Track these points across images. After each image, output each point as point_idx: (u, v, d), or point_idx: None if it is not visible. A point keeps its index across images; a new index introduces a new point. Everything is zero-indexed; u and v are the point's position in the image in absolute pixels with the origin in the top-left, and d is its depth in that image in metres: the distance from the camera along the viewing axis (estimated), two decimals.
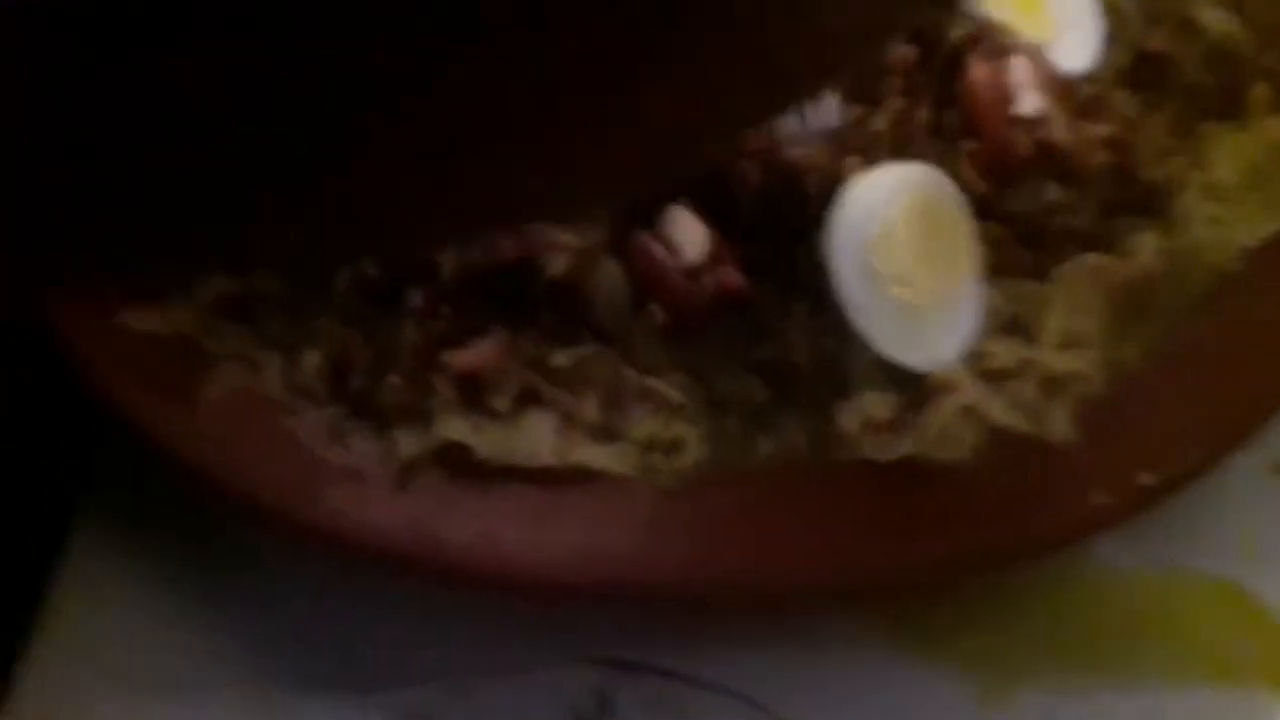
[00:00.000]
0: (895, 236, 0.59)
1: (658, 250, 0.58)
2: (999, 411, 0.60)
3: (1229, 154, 0.71)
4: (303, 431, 0.60)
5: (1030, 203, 0.65)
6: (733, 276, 0.57)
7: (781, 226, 0.62)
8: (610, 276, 0.58)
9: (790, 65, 0.30)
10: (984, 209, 0.64)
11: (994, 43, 0.66)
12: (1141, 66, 0.72)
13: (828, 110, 0.60)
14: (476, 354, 0.58)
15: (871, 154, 0.61)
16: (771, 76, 0.30)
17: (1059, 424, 0.61)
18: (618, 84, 0.27)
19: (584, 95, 0.27)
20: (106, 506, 0.69)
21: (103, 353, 0.63)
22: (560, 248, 0.58)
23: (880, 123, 0.61)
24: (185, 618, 0.68)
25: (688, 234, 0.58)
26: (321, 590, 0.65)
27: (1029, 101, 0.64)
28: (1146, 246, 0.66)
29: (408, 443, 0.58)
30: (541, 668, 0.63)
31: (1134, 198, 0.67)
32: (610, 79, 0.27)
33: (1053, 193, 0.65)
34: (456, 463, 0.58)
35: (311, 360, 0.60)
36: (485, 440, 0.58)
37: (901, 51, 0.62)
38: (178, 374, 0.62)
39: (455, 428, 0.58)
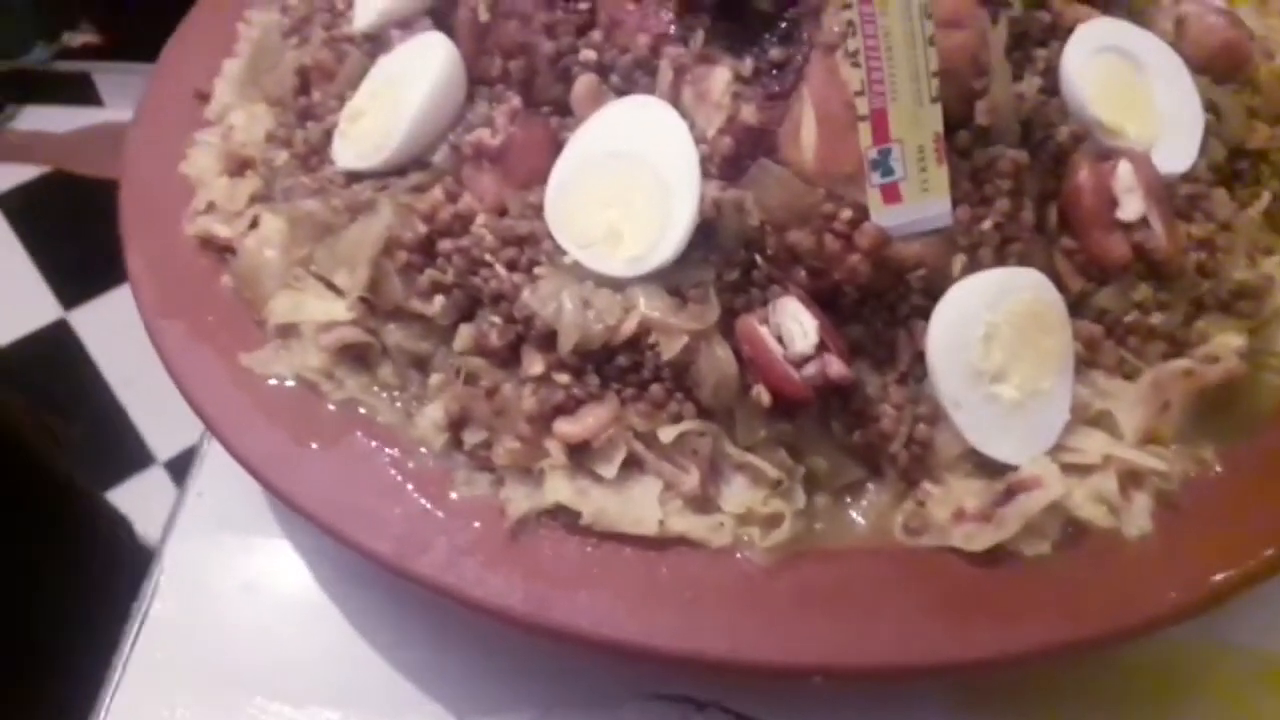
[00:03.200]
0: (997, 338, 0.62)
1: (768, 339, 0.60)
2: (1081, 506, 0.63)
3: None
4: (416, 481, 0.63)
5: (1122, 301, 0.67)
6: (837, 368, 0.59)
7: (885, 317, 0.64)
8: (720, 361, 0.60)
9: None
10: (1077, 306, 0.67)
11: (1099, 143, 0.68)
12: (1239, 161, 0.74)
13: (940, 211, 0.62)
14: (588, 424, 0.61)
15: (978, 252, 0.63)
16: None
17: (1138, 520, 0.63)
18: None
19: None
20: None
21: (221, 395, 0.66)
22: (675, 331, 0.60)
23: (988, 224, 0.63)
24: (277, 634, 0.72)
25: (798, 324, 0.60)
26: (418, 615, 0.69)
27: (1131, 208, 0.65)
28: (1231, 348, 0.67)
29: (518, 501, 0.61)
30: (626, 701, 0.67)
31: (1223, 297, 0.69)
32: None
33: (1143, 292, 0.67)
34: (564, 525, 0.61)
35: (432, 413, 0.63)
36: (591, 504, 0.61)
37: (1013, 155, 0.64)
38: (295, 418, 0.65)
39: (564, 491, 0.61)
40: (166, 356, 0.68)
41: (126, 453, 1.95)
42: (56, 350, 2.09)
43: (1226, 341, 0.68)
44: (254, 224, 0.72)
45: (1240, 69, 0.76)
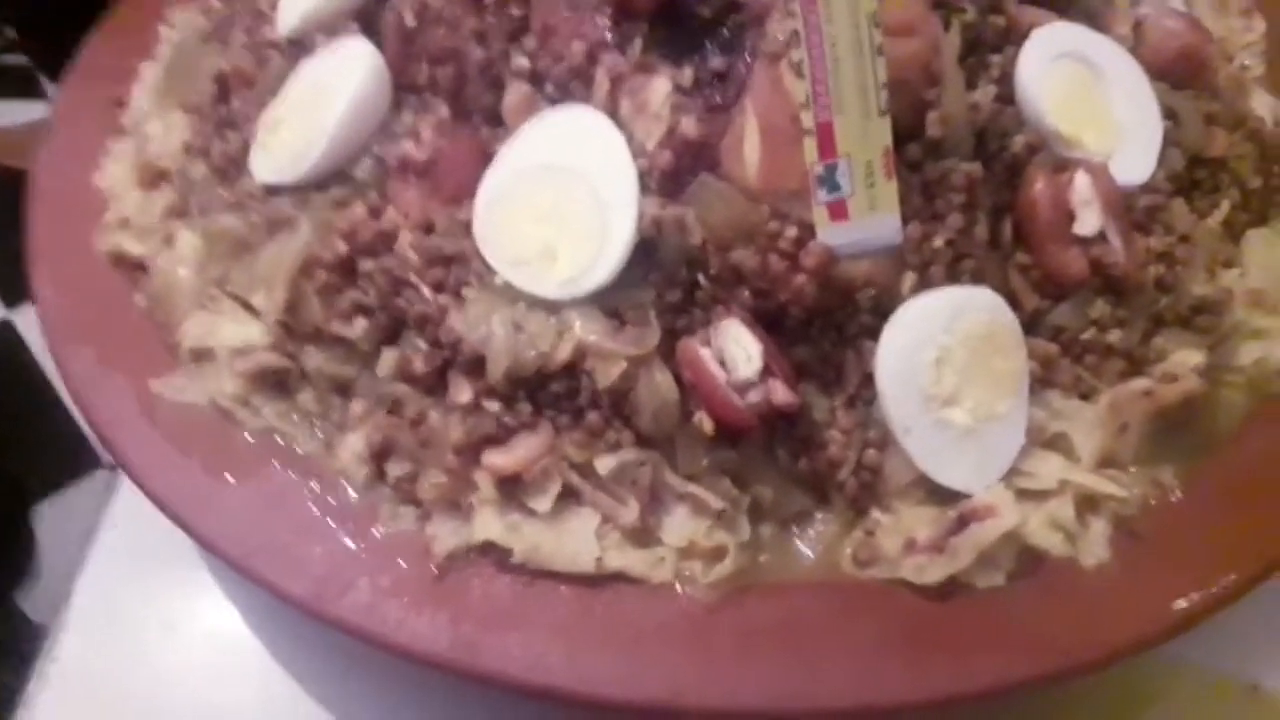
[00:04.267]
0: (949, 362, 0.59)
1: (710, 363, 0.57)
2: (1037, 535, 0.60)
3: (1270, 259, 0.71)
4: (337, 516, 0.59)
5: (1078, 319, 0.65)
6: (782, 394, 0.56)
7: (832, 338, 0.61)
8: (660, 387, 0.57)
9: None
10: (1032, 324, 0.64)
11: (1056, 153, 0.65)
12: (1197, 170, 0.72)
13: (890, 228, 0.59)
14: (519, 455, 0.57)
15: (929, 270, 0.60)
16: None
17: (1096, 548, 0.61)
18: None
19: None
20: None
21: (127, 423, 0.62)
22: (613, 356, 0.57)
23: (940, 241, 0.60)
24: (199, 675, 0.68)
25: (741, 348, 0.57)
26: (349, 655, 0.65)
27: (1088, 221, 0.63)
28: (1190, 365, 0.65)
29: (445, 538, 0.58)
30: None
31: (1182, 313, 0.67)
32: None
33: (1100, 309, 0.65)
34: (494, 563, 0.57)
35: (354, 443, 0.59)
36: (523, 541, 0.57)
37: (966, 169, 0.61)
38: (209, 449, 0.61)
39: (494, 527, 0.57)
40: (72, 384, 0.64)
41: (73, 457, 1.88)
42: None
43: (1185, 359, 0.65)
44: (169, 240, 0.68)
45: (1199, 74, 0.74)
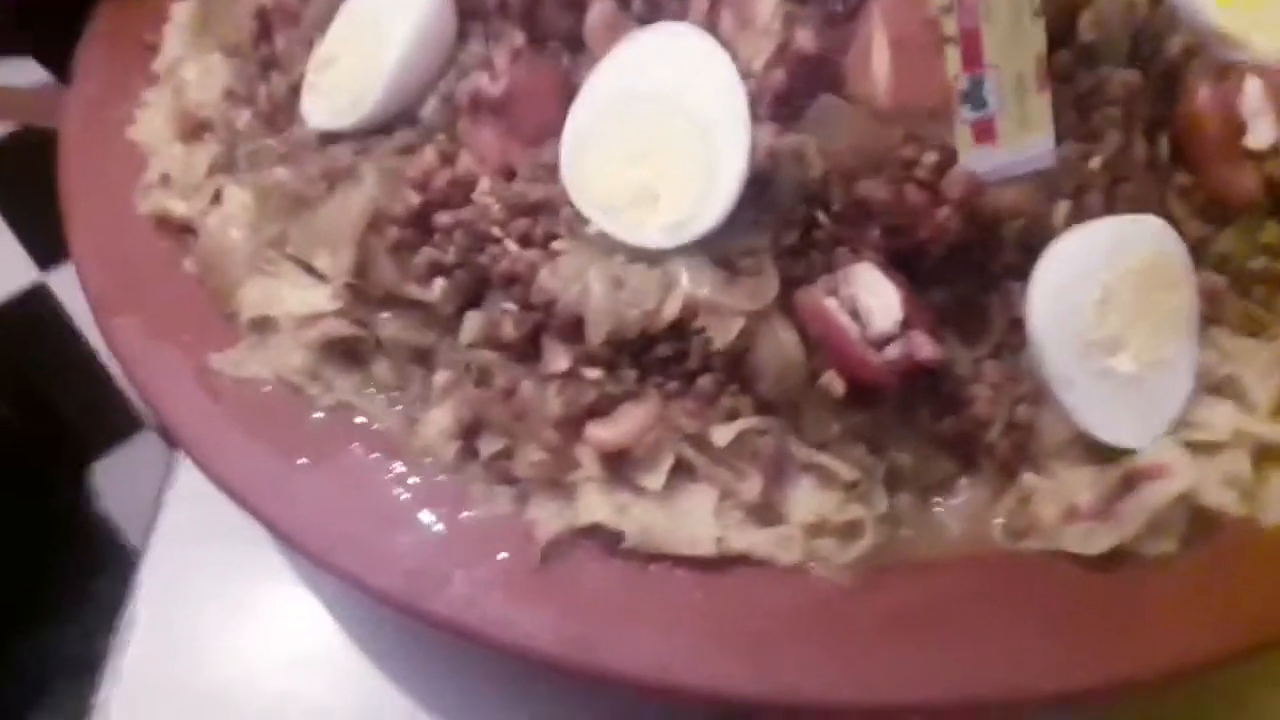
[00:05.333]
0: (1113, 302, 0.51)
1: (840, 316, 0.50)
2: (1211, 493, 0.53)
3: None
4: (425, 500, 0.53)
5: (1247, 245, 0.57)
6: (927, 348, 0.49)
7: (973, 279, 0.53)
8: (784, 346, 0.50)
9: None
10: (1195, 253, 0.56)
11: (1218, 57, 0.57)
12: None
13: (1043, 149, 0.51)
14: (626, 427, 0.51)
15: (1084, 197, 0.53)
16: None
17: (1277, 506, 0.54)
18: None
19: None
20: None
21: (187, 402, 0.56)
22: (728, 312, 0.50)
23: (1096, 163, 0.52)
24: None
25: (878, 298, 0.50)
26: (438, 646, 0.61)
27: (1262, 133, 0.55)
28: None
29: (548, 521, 0.51)
30: None
31: None
32: None
33: (1272, 233, 0.57)
34: (602, 547, 0.51)
35: (439, 418, 0.53)
36: (634, 522, 0.51)
37: (1123, 77, 0.53)
38: (279, 429, 0.55)
39: (601, 508, 0.51)
40: (123, 360, 0.58)
41: (114, 421, 1.86)
42: (35, 315, 1.98)
43: None
44: (216, 198, 0.62)
45: None
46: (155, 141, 0.66)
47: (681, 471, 0.52)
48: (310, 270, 0.58)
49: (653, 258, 0.52)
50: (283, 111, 0.62)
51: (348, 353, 0.57)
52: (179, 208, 0.62)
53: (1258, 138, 0.55)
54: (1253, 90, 0.55)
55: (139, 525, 0.73)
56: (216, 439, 0.55)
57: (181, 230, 0.63)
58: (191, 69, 0.67)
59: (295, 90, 0.62)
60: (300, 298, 0.56)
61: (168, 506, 0.71)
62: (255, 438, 0.55)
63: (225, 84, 0.65)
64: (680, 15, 0.54)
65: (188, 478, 0.70)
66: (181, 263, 0.62)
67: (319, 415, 0.56)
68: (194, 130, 0.65)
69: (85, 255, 0.62)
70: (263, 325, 0.58)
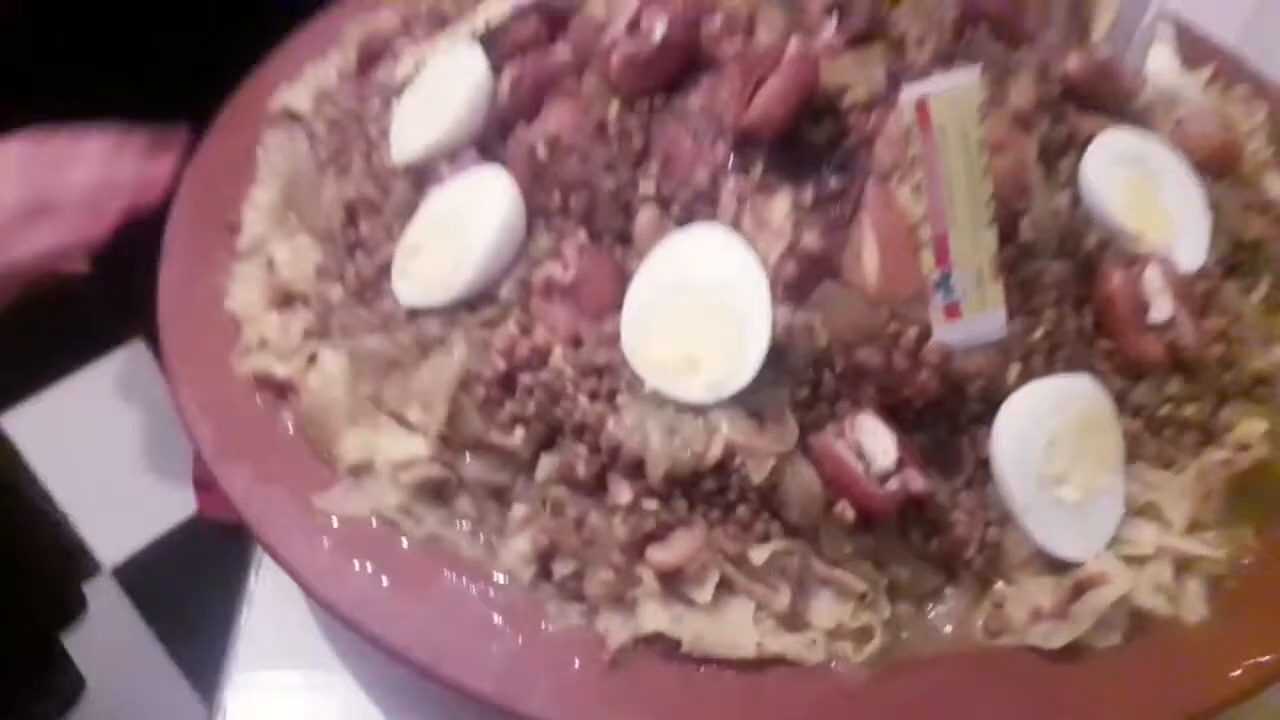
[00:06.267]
0: (1058, 444, 0.65)
1: (850, 457, 0.62)
2: (1143, 597, 0.66)
3: None
4: (508, 616, 0.63)
5: (1157, 396, 0.71)
6: (919, 482, 0.62)
7: (948, 425, 0.67)
8: (807, 481, 0.63)
9: None
10: (1117, 403, 0.71)
11: (1124, 249, 0.72)
12: (1239, 254, 0.80)
13: (996, 324, 0.65)
14: (681, 550, 0.62)
15: (1031, 360, 0.67)
16: None
17: (1195, 605, 0.67)
18: None
19: None
20: None
21: (300, 539, 0.66)
22: (762, 453, 0.62)
23: (1039, 334, 0.67)
24: None
25: (878, 442, 0.63)
26: None
27: (1161, 308, 0.70)
28: (1258, 434, 0.72)
29: (617, 631, 0.62)
30: None
31: (1243, 385, 0.74)
32: None
33: (1174, 386, 0.72)
34: (660, 653, 0.62)
35: (519, 545, 0.64)
36: (688, 630, 0.62)
37: (1055, 267, 0.68)
38: (380, 558, 0.65)
39: (661, 618, 0.62)
40: (238, 501, 0.67)
41: (72, 562, 1.86)
42: None
43: (1252, 428, 0.72)
44: (312, 360, 0.72)
45: (1233, 166, 0.82)
46: (250, 311, 0.77)
47: (724, 587, 0.64)
48: (402, 421, 0.69)
49: (698, 410, 0.64)
50: (370, 288, 0.74)
51: (435, 491, 0.67)
52: (278, 369, 0.73)
53: (1158, 313, 0.70)
54: (1152, 276, 0.71)
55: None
56: (326, 568, 0.65)
57: (278, 388, 0.73)
58: (281, 249, 0.79)
59: (381, 270, 0.74)
60: (398, 446, 0.67)
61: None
62: (360, 566, 0.65)
63: (316, 262, 0.77)
64: (711, 218, 0.68)
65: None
66: (280, 416, 0.72)
67: (408, 545, 0.66)
68: (287, 301, 0.76)
69: (193, 414, 0.72)
70: (359, 470, 0.68)
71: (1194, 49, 1.01)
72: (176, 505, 1.92)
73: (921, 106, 0.59)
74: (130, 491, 1.97)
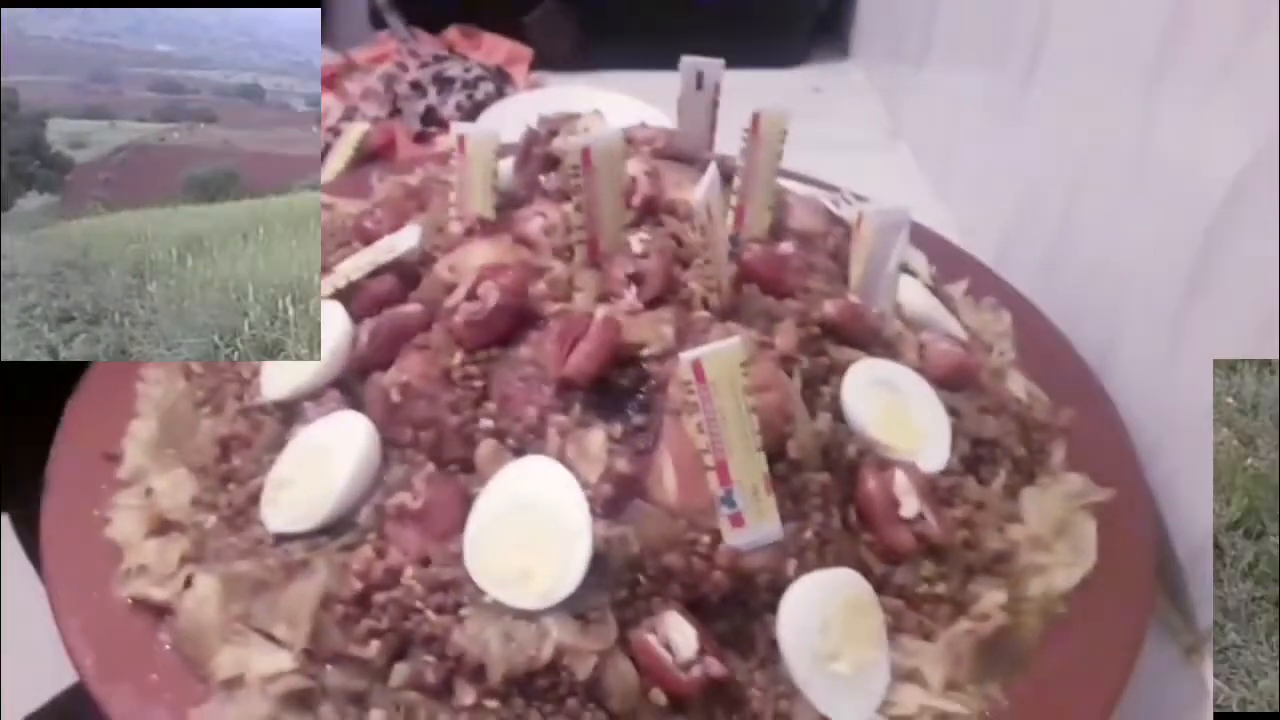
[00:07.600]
0: (830, 626, 0.79)
1: (659, 649, 0.75)
2: None
3: (1041, 510, 0.97)
4: None
5: (913, 578, 0.87)
6: (716, 667, 0.75)
7: (741, 614, 0.80)
8: (624, 673, 0.75)
9: None
10: (881, 585, 0.86)
11: (878, 456, 0.89)
12: (979, 449, 0.98)
13: (773, 530, 0.80)
14: None
15: (805, 555, 0.82)
16: None
17: None
18: None
19: None
20: None
21: None
22: (585, 652, 0.74)
23: (809, 534, 0.82)
24: None
25: (682, 634, 0.75)
26: None
27: (909, 506, 0.86)
28: (996, 603, 0.88)
29: None
30: None
31: (985, 563, 0.91)
32: None
33: (928, 569, 0.88)
34: None
35: None
36: None
37: (819, 478, 0.84)
38: None
39: None
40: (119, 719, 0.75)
41: None
42: None
43: (993, 599, 0.88)
44: (187, 583, 0.81)
45: (970, 379, 1.01)
46: (130, 537, 0.86)
47: None
48: (270, 638, 0.78)
49: (531, 617, 0.76)
50: (241, 515, 0.84)
51: (301, 700, 0.76)
52: (155, 592, 0.81)
53: (907, 509, 0.87)
54: (900, 479, 0.88)
55: None
56: None
57: (157, 611, 0.81)
58: (160, 480, 0.88)
59: (251, 498, 0.85)
60: (267, 661, 0.76)
61: None
62: None
63: (192, 494, 0.87)
64: (540, 449, 0.82)
65: None
66: (158, 637, 0.80)
67: None
68: (164, 529, 0.86)
69: (74, 635, 0.80)
70: (232, 684, 0.77)
71: (954, 264, 1.23)
72: None
73: (697, 365, 0.75)
74: None
